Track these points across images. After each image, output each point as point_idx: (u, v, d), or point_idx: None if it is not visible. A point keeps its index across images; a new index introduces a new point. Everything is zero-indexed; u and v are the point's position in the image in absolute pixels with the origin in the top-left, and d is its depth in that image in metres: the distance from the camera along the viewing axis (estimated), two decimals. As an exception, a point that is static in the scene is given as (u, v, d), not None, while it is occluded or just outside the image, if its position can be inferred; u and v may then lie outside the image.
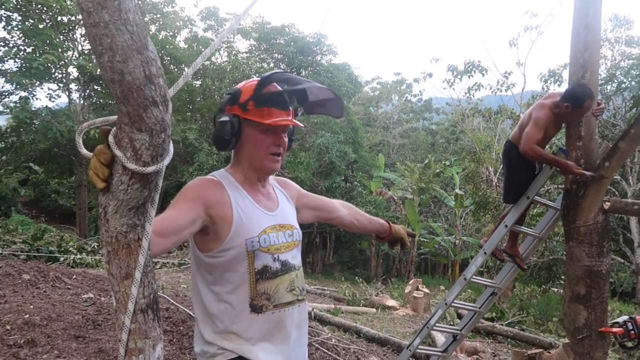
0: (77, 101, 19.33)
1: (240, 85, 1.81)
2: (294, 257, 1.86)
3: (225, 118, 1.73)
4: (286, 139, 1.83)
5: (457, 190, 19.59)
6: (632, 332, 3.90)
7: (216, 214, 1.68)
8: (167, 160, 1.18)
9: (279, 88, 1.76)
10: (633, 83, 7.50)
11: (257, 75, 20.03)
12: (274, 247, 1.77)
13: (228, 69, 19.27)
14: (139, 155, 1.11)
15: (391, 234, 2.35)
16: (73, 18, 17.05)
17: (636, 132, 3.61)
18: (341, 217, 2.23)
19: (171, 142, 1.20)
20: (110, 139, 1.13)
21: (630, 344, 4.00)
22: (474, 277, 4.59)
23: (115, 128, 1.14)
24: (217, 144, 1.77)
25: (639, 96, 6.75)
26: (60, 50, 16.27)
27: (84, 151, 1.22)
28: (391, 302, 11.16)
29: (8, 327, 4.58)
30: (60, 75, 17.83)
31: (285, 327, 1.79)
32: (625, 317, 4.04)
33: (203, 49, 19.88)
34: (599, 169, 3.73)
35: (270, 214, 1.83)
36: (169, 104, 1.13)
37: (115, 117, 1.16)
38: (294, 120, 1.78)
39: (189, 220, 1.61)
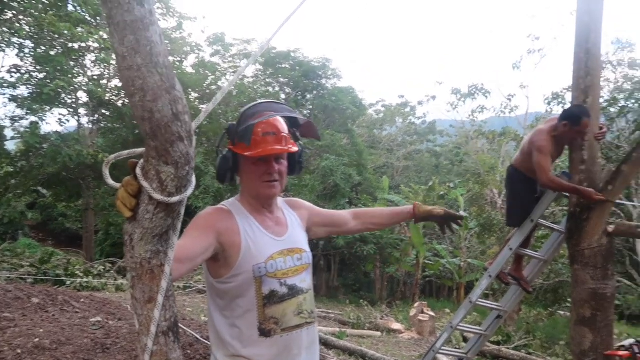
0: (86, 125, 19.58)
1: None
2: (303, 281, 1.90)
3: (220, 155, 1.85)
4: (281, 165, 1.87)
5: (461, 212, 19.54)
6: (639, 355, 3.91)
7: (226, 242, 1.76)
8: (190, 191, 1.26)
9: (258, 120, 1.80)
10: (636, 106, 7.58)
11: (262, 100, 20.32)
12: (281, 272, 1.83)
13: (234, 94, 19.51)
14: (165, 186, 1.20)
15: (415, 215, 2.25)
16: (84, 45, 17.36)
17: (638, 155, 3.68)
18: (351, 228, 2.27)
19: (194, 174, 1.28)
20: (138, 171, 1.21)
21: (637, 368, 4.01)
22: (479, 300, 4.62)
23: (142, 161, 1.22)
24: (217, 177, 1.89)
25: (641, 119, 6.83)
26: (70, 76, 16.53)
27: (110, 182, 1.30)
28: (396, 326, 11.12)
29: (19, 351, 4.62)
30: (70, 100, 18.09)
31: (294, 350, 1.84)
32: (632, 341, 4.05)
33: (210, 74, 20.18)
34: (602, 192, 3.79)
35: (279, 239, 1.89)
36: (193, 139, 1.21)
37: (141, 149, 1.24)
38: (276, 148, 1.81)
39: (202, 248, 1.69)
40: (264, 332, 1.79)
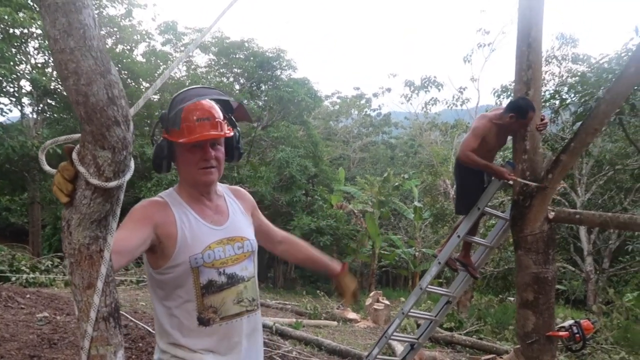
0: (30, 116, 18.81)
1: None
2: (244, 269, 1.89)
3: (156, 144, 1.83)
4: (217, 151, 1.85)
5: (415, 203, 19.96)
6: (577, 335, 4.11)
7: (162, 233, 1.74)
8: (128, 176, 1.25)
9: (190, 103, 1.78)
10: (575, 99, 7.91)
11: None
12: (219, 262, 1.81)
13: (187, 84, 19.17)
14: (102, 171, 1.18)
15: (337, 277, 2.31)
16: (26, 31, 16.65)
17: (576, 145, 3.85)
18: (276, 249, 2.26)
19: (132, 159, 1.27)
20: (74, 156, 1.19)
21: (576, 347, 4.22)
22: (429, 286, 4.75)
23: (78, 146, 1.20)
24: (153, 166, 1.86)
25: (581, 112, 7.12)
26: (12, 63, 15.84)
27: (47, 168, 1.28)
28: (352, 315, 11.27)
29: (-41, 349, 4.45)
30: (12, 89, 17.33)
31: (234, 338, 1.84)
32: (571, 322, 4.25)
33: (161, 63, 19.75)
34: (543, 181, 3.95)
35: (217, 228, 1.87)
36: (130, 123, 1.20)
37: (78, 135, 1.22)
38: (211, 133, 1.79)
39: (140, 240, 1.68)
40: (203, 321, 1.79)
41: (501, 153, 11.69)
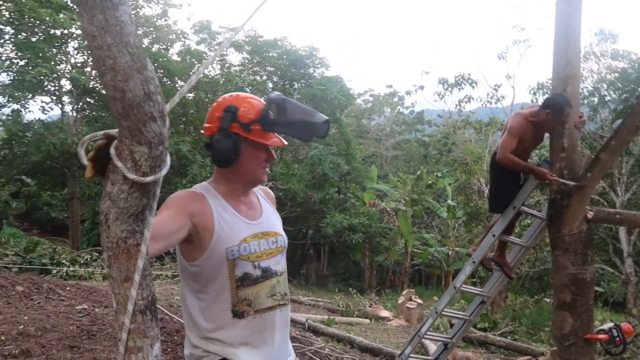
0: (70, 114, 19.34)
1: (230, 99, 1.87)
2: (277, 264, 1.93)
3: (228, 138, 1.78)
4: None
5: (449, 202, 19.73)
6: (617, 338, 4.00)
7: (198, 223, 1.76)
8: (164, 171, 1.27)
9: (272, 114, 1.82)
10: (614, 96, 7.67)
11: (249, 88, 20.19)
12: (254, 255, 1.85)
13: (221, 82, 19.37)
14: (139, 166, 1.21)
15: None
16: (66, 31, 17.11)
17: (616, 143, 3.74)
18: None
19: (168, 154, 1.29)
20: (112, 151, 1.22)
21: (615, 350, 4.10)
22: (463, 285, 4.69)
23: (116, 141, 1.23)
24: (220, 161, 1.84)
25: (621, 109, 6.90)
26: (53, 63, 16.30)
27: (85, 162, 1.31)
28: (385, 313, 11.22)
29: (3, 338, 4.62)
30: (53, 88, 17.83)
31: (267, 331, 1.87)
32: (611, 324, 4.14)
33: (196, 62, 20.01)
34: (581, 180, 3.85)
35: (252, 222, 1.91)
36: (166, 119, 1.22)
37: (116, 130, 1.25)
38: (282, 142, 1.90)
39: (177, 226, 1.69)
40: (237, 314, 1.82)
41: (537, 151, 11.46)
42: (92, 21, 1.07)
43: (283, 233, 2.03)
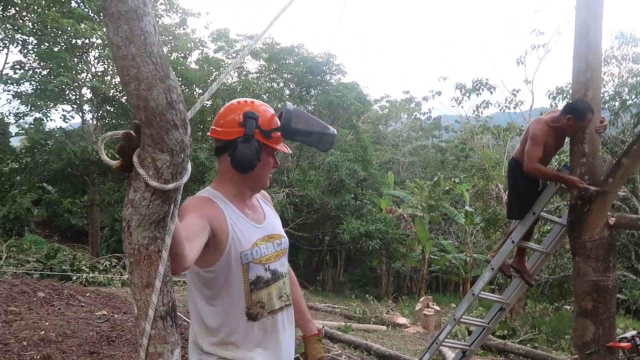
0: (90, 122, 19.64)
1: (247, 105, 1.89)
2: (282, 265, 1.99)
3: (252, 144, 1.80)
4: None
5: (467, 208, 19.58)
6: (641, 346, 3.93)
7: (215, 226, 1.78)
8: (185, 178, 1.29)
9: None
10: (636, 100, 7.56)
11: (266, 95, 20.31)
12: (265, 258, 1.89)
13: (238, 89, 19.51)
14: (161, 173, 1.23)
15: (304, 339, 2.21)
16: (87, 41, 17.40)
17: (638, 148, 3.69)
18: None
19: (189, 162, 1.31)
20: (135, 159, 1.24)
21: (638, 359, 4.03)
22: (482, 292, 4.64)
23: (138, 149, 1.25)
24: (243, 166, 1.82)
25: (643, 113, 6.82)
26: (74, 72, 16.58)
27: (104, 158, 1.35)
28: (402, 320, 11.14)
29: (25, 343, 4.68)
30: (74, 97, 18.13)
31: (279, 332, 1.92)
32: (634, 332, 4.08)
33: (214, 70, 20.21)
34: (603, 185, 3.80)
35: (259, 226, 1.95)
36: (188, 127, 1.24)
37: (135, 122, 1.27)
38: (288, 150, 1.96)
39: (202, 225, 1.71)
40: (252, 316, 1.85)
41: (556, 156, 11.33)
42: (117, 32, 1.10)
43: (285, 235, 2.08)
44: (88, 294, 7.66)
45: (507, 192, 5.24)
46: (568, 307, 12.98)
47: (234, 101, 1.93)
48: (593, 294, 3.86)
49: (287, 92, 21.95)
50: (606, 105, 8.74)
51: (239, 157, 1.80)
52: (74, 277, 11.63)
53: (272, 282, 1.91)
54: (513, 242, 4.42)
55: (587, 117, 3.81)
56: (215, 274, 1.82)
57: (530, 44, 19.40)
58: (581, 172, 3.92)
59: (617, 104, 8.84)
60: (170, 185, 1.24)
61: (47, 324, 5.53)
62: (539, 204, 4.31)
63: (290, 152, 2.01)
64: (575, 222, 3.96)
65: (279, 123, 1.89)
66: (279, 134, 1.88)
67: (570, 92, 4.32)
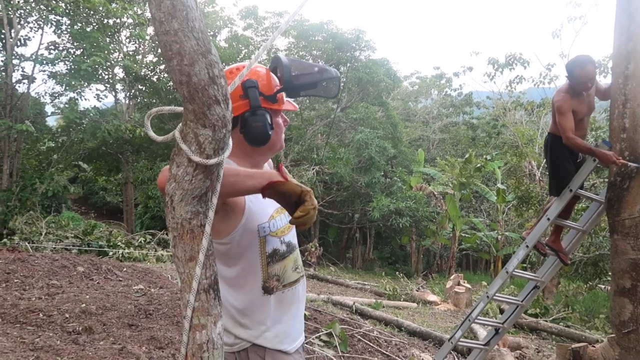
0: (123, 101, 19.97)
1: (239, 74, 1.55)
2: (294, 237, 1.95)
3: (261, 115, 1.70)
4: None
5: (499, 185, 19.29)
6: (680, 326, 3.84)
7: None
8: (227, 153, 1.30)
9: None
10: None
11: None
12: (280, 230, 1.86)
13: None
14: (203, 148, 1.24)
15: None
16: (118, 20, 17.60)
17: (683, 122, 3.56)
18: None
19: (230, 137, 1.31)
20: (177, 134, 1.25)
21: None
22: (515, 270, 4.59)
23: (181, 124, 1.26)
24: (259, 140, 1.73)
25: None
26: (106, 52, 16.80)
27: (151, 133, 1.36)
28: (432, 297, 11.14)
29: (67, 315, 4.86)
30: (106, 76, 18.43)
31: (294, 304, 1.90)
32: (673, 312, 3.97)
33: (243, 47, 20.19)
34: (644, 162, 3.69)
35: None
36: (229, 102, 1.25)
37: (181, 107, 1.28)
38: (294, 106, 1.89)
39: None
40: (268, 290, 1.82)
41: (593, 132, 11.03)
42: (160, 7, 1.10)
43: None
44: (125, 269, 7.87)
45: (539, 169, 5.13)
46: (602, 287, 12.76)
47: (225, 71, 1.71)
48: (632, 272, 3.78)
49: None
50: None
51: (253, 132, 1.70)
52: (111, 253, 11.97)
53: (287, 254, 1.87)
54: (549, 219, 4.34)
55: (576, 72, 3.76)
56: (228, 246, 1.76)
57: (566, 16, 18.80)
58: (621, 148, 3.81)
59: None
60: (213, 160, 1.26)
61: (87, 297, 5.72)
62: (576, 180, 4.20)
63: (297, 107, 1.91)
64: (614, 199, 3.86)
65: (278, 82, 1.79)
66: (283, 93, 1.79)
67: (610, 65, 4.18)
